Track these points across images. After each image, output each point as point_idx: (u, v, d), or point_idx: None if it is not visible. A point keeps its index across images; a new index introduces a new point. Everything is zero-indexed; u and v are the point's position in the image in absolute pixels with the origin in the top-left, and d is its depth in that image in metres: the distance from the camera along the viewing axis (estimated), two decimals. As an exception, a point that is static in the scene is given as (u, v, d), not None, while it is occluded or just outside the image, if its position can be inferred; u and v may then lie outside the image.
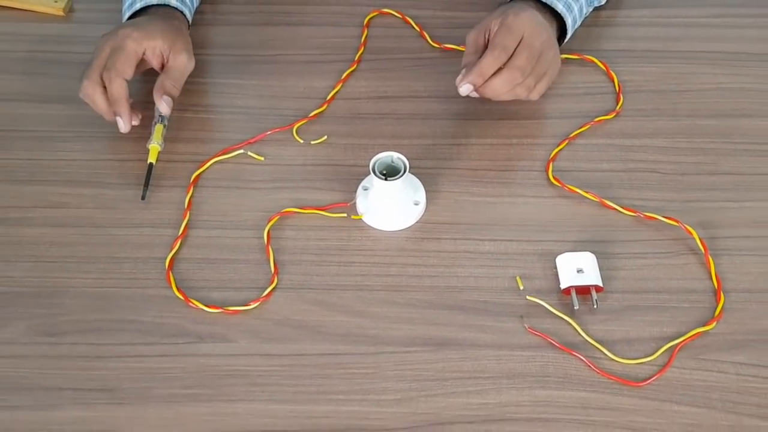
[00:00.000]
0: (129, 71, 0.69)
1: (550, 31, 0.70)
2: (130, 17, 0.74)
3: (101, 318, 0.62)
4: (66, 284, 0.64)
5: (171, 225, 0.67)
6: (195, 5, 0.79)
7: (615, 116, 0.72)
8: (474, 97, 0.70)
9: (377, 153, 0.66)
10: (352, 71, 0.77)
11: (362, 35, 0.80)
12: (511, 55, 0.67)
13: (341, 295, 0.63)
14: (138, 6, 0.74)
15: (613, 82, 0.75)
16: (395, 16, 0.81)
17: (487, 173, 0.69)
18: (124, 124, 0.69)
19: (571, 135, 0.71)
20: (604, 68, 0.76)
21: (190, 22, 0.77)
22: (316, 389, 0.58)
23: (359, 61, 0.78)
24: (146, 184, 0.68)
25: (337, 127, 0.73)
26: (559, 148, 0.70)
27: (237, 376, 0.59)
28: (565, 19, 0.73)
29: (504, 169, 0.70)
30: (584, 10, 0.76)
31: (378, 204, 0.66)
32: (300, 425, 0.57)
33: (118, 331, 0.61)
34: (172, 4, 0.75)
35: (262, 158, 0.71)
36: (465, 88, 0.68)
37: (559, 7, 0.73)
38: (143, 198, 0.68)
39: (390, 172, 0.65)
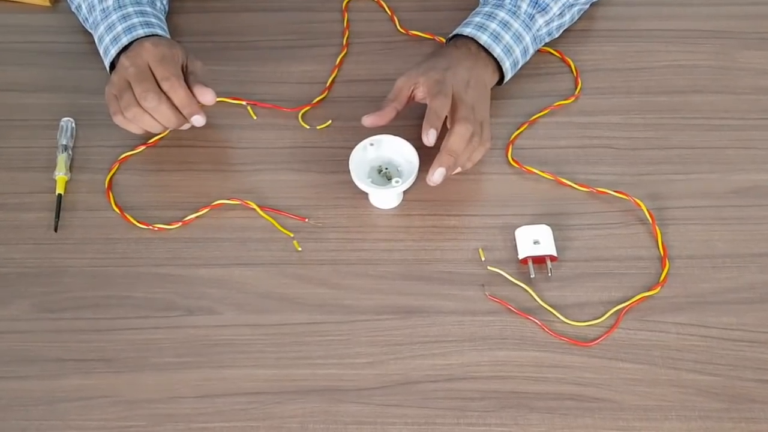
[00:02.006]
0: (182, 76, 0.69)
1: (482, 87, 0.71)
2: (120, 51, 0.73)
3: (98, 295, 0.67)
4: (64, 264, 0.69)
5: (162, 207, 0.71)
6: (166, 28, 0.78)
7: (574, 100, 0.76)
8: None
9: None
10: (344, 55, 0.80)
11: (344, 19, 0.83)
12: (452, 113, 0.68)
13: (318, 269, 0.68)
14: (125, 41, 0.72)
15: (569, 66, 0.79)
16: (372, 1, 0.85)
17: (453, 152, 0.74)
18: (203, 118, 0.70)
19: (531, 119, 0.75)
20: (559, 56, 0.79)
21: None
22: (296, 355, 0.64)
23: (347, 45, 0.81)
24: (57, 215, 0.70)
25: (318, 111, 0.77)
26: (520, 130, 0.75)
27: (224, 344, 0.64)
28: (501, 64, 0.73)
29: (469, 147, 0.75)
30: (530, 50, 0.75)
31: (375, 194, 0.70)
32: (282, 387, 0.62)
33: (113, 307, 0.66)
34: (159, 33, 0.74)
35: (255, 117, 0.76)
36: (438, 175, 0.67)
37: (497, 52, 0.72)
38: (55, 230, 0.70)
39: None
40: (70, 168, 0.74)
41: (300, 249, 0.68)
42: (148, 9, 0.75)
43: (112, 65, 0.74)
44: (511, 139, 0.74)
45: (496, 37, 0.72)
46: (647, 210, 0.69)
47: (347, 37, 0.82)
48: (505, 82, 0.75)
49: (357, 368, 0.63)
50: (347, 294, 0.67)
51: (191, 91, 0.69)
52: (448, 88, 0.68)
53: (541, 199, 0.71)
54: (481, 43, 0.72)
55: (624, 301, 0.65)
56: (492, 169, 0.73)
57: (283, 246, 0.69)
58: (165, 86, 0.68)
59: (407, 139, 0.70)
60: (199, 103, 0.70)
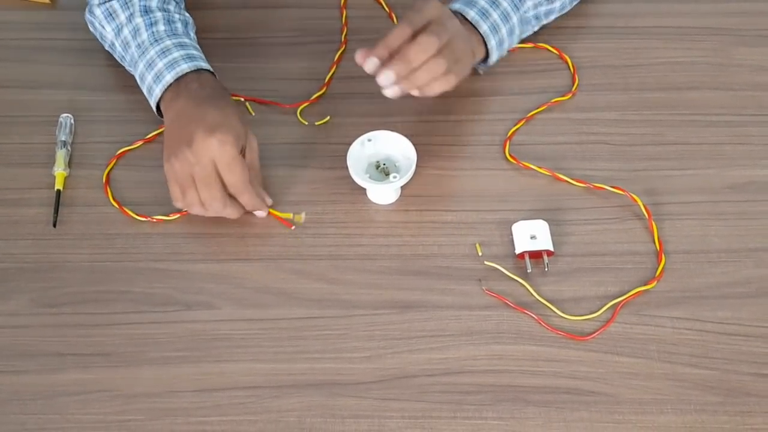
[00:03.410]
0: (247, 177, 0.66)
1: (465, 32, 0.70)
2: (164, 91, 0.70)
3: (96, 290, 0.67)
4: (63, 259, 0.69)
5: (159, 202, 0.71)
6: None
7: (571, 96, 0.77)
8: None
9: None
10: (342, 52, 0.80)
11: (342, 16, 0.83)
12: (422, 30, 0.66)
13: (316, 264, 0.68)
14: (169, 79, 0.69)
15: (567, 63, 0.79)
16: (368, -4, 0.85)
17: (451, 148, 0.74)
18: (265, 214, 0.69)
19: (529, 115, 0.76)
20: (557, 53, 0.79)
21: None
22: (293, 349, 0.64)
23: (346, 41, 0.81)
24: (56, 211, 0.70)
25: (316, 107, 0.77)
26: (517, 126, 0.75)
27: (222, 339, 0.65)
28: (487, 41, 0.72)
29: (467, 144, 0.75)
30: (516, 31, 0.74)
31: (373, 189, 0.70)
32: (279, 382, 0.63)
33: (112, 302, 0.67)
34: (204, 67, 0.70)
35: (254, 113, 0.76)
36: (371, 64, 0.65)
37: (483, 28, 0.72)
38: (54, 225, 0.70)
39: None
40: (69, 164, 0.74)
41: (302, 221, 0.69)
42: (187, 40, 0.72)
43: (158, 105, 0.71)
44: (509, 135, 0.74)
45: (484, 14, 0.72)
46: (643, 205, 0.69)
47: (345, 34, 0.82)
48: (489, 61, 0.74)
49: (355, 362, 0.63)
50: (345, 289, 0.67)
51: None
52: (430, 6, 0.67)
53: (538, 195, 0.71)
54: (469, 18, 0.72)
55: (620, 296, 0.65)
56: (489, 165, 0.73)
57: (282, 241, 0.69)
58: (232, 190, 0.67)
59: (405, 135, 0.71)
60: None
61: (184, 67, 0.70)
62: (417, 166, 0.70)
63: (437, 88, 0.68)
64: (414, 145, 0.70)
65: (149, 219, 0.70)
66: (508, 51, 0.76)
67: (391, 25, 0.83)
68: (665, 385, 0.61)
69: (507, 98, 0.77)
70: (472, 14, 0.72)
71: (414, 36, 0.66)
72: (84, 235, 0.70)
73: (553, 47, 0.80)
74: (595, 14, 0.83)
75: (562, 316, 0.65)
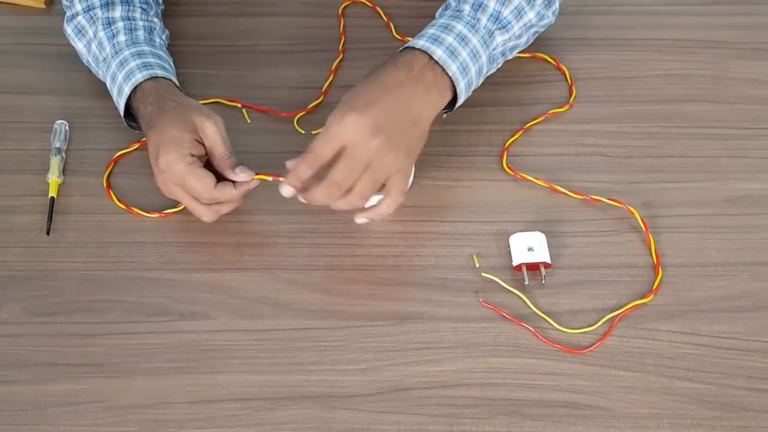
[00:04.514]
0: (210, 182, 0.65)
1: (397, 127, 0.62)
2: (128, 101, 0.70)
3: (90, 299, 0.67)
4: (56, 268, 0.68)
5: (155, 209, 0.71)
6: (172, 63, 0.75)
7: (568, 108, 0.77)
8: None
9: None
10: (340, 60, 0.80)
11: (340, 25, 0.83)
12: (333, 166, 0.62)
13: (312, 275, 0.68)
14: (127, 91, 0.69)
15: (564, 74, 0.79)
16: (366, 5, 0.85)
17: (448, 159, 0.74)
18: (252, 184, 0.66)
19: (526, 126, 0.75)
20: (555, 63, 0.79)
21: (176, 82, 0.73)
22: (288, 361, 0.64)
23: (344, 50, 0.81)
24: (49, 219, 0.69)
25: (314, 116, 0.77)
26: (514, 137, 0.75)
27: (216, 350, 0.64)
28: (456, 84, 0.66)
29: (463, 154, 0.74)
30: (484, 70, 0.69)
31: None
32: (274, 394, 0.62)
33: (105, 311, 0.66)
34: (159, 75, 0.70)
35: (249, 120, 0.76)
36: (286, 191, 0.63)
37: (452, 69, 0.65)
38: (48, 233, 0.69)
39: None
40: (63, 171, 0.74)
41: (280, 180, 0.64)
42: (146, 47, 0.72)
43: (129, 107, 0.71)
44: (506, 146, 0.74)
45: (453, 53, 0.65)
46: (641, 218, 0.69)
47: (343, 43, 0.82)
48: (457, 106, 0.69)
49: (350, 374, 0.63)
50: (341, 300, 0.66)
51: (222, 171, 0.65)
52: (341, 130, 0.61)
53: (535, 206, 0.71)
54: (436, 58, 0.65)
55: (617, 309, 0.65)
56: (486, 176, 0.73)
57: (277, 251, 0.69)
58: (204, 201, 0.66)
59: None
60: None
61: (138, 77, 0.70)
62: (414, 176, 0.70)
63: (385, 210, 0.64)
64: (411, 155, 0.70)
65: (160, 215, 0.70)
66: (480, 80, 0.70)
67: (388, 34, 0.82)
68: (662, 399, 0.61)
69: (504, 109, 0.77)
70: (439, 53, 0.65)
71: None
72: (77, 243, 0.70)
73: (550, 58, 0.80)
74: (592, 26, 0.83)
75: (559, 329, 0.64)
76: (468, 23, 0.67)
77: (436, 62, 0.65)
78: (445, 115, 0.71)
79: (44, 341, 0.65)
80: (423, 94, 0.64)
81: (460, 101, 0.68)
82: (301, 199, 0.65)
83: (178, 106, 0.68)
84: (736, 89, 0.78)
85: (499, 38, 0.69)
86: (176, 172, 0.65)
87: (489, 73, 0.72)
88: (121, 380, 0.63)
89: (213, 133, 0.66)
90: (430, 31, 0.67)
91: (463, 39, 0.66)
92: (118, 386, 0.62)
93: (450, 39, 0.66)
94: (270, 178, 0.66)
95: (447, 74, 0.65)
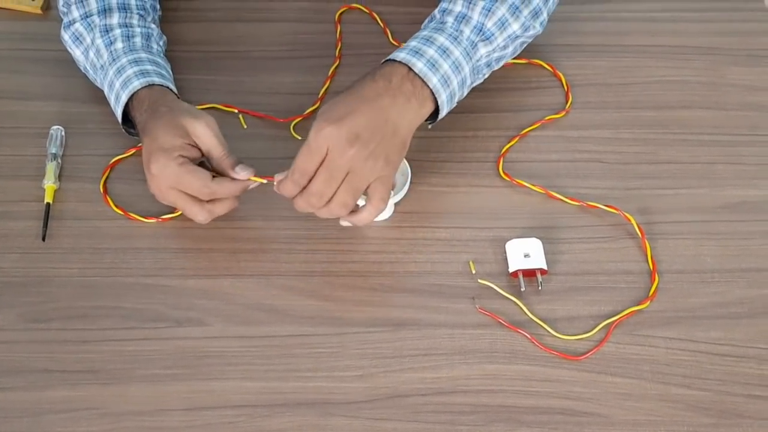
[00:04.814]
0: (206, 175, 0.65)
1: (376, 136, 0.62)
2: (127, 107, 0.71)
3: (86, 305, 0.66)
4: (52, 274, 0.68)
5: (152, 215, 0.71)
6: (169, 69, 0.75)
7: (564, 114, 0.77)
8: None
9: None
10: (336, 66, 0.80)
11: (336, 31, 0.83)
12: (314, 177, 0.62)
13: (308, 281, 0.68)
14: (125, 99, 0.70)
15: (560, 80, 0.79)
16: (363, 11, 0.85)
17: (444, 165, 0.74)
18: (250, 184, 0.66)
19: (523, 132, 0.76)
20: (551, 69, 0.80)
21: (173, 88, 0.73)
22: (284, 367, 0.63)
23: (340, 56, 0.81)
24: (45, 225, 0.69)
25: (310, 122, 0.77)
26: (510, 144, 0.75)
27: (212, 356, 0.64)
28: (437, 97, 0.65)
29: (460, 160, 0.74)
30: (467, 82, 0.68)
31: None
32: (270, 401, 0.62)
33: (101, 317, 0.66)
34: (156, 82, 0.70)
35: (246, 126, 0.76)
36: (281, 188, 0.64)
37: (433, 82, 0.65)
38: (43, 239, 0.69)
39: None
40: (60, 176, 0.73)
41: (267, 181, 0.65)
42: (143, 54, 0.72)
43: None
44: (502, 152, 0.74)
45: (434, 65, 0.65)
46: (637, 224, 0.69)
47: (340, 49, 0.82)
48: (440, 118, 0.68)
49: (346, 381, 0.63)
50: (337, 306, 0.66)
51: (222, 170, 0.66)
52: (319, 143, 0.61)
53: (531, 213, 0.71)
54: (416, 71, 0.65)
55: (613, 315, 0.65)
56: (483, 182, 0.73)
57: (274, 257, 0.69)
58: (203, 197, 0.66)
59: (399, 152, 0.70)
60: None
61: (136, 84, 0.70)
62: (411, 182, 0.70)
63: (366, 218, 0.65)
64: (408, 161, 0.70)
65: (157, 220, 0.70)
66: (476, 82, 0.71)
67: (385, 40, 0.82)
68: (658, 406, 0.61)
69: (501, 115, 0.77)
70: (420, 66, 0.65)
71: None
72: (73, 249, 0.69)
73: (547, 64, 0.80)
74: (588, 32, 0.83)
75: (555, 336, 0.64)
76: (450, 35, 0.67)
77: (416, 74, 0.65)
78: (429, 126, 0.71)
79: (40, 348, 0.64)
80: (402, 105, 0.64)
81: (442, 113, 0.68)
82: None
83: (170, 111, 0.68)
84: (732, 96, 0.78)
85: (483, 50, 0.68)
86: (170, 174, 0.65)
87: (475, 84, 0.72)
88: (117, 387, 0.62)
89: (206, 134, 0.66)
90: (412, 43, 0.67)
91: (444, 51, 0.66)
92: (114, 393, 0.62)
93: (431, 51, 0.66)
94: (265, 180, 0.66)
95: (428, 86, 0.65)
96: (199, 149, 0.67)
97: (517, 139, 0.75)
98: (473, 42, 0.67)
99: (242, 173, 0.66)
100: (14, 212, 0.72)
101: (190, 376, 0.63)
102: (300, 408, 0.61)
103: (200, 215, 0.67)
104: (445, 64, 0.66)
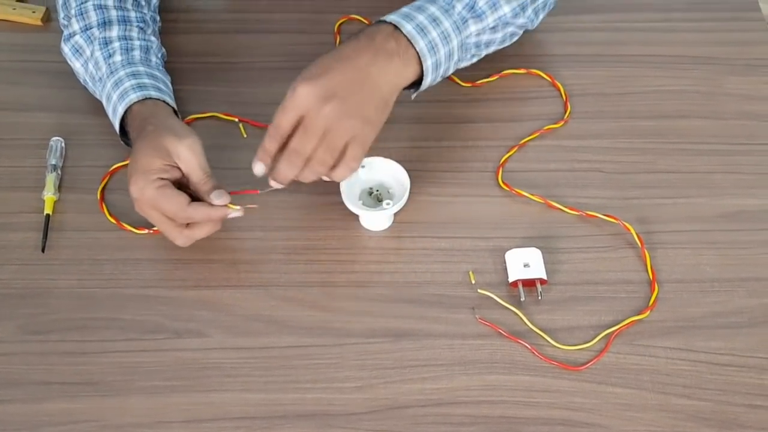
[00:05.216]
0: (183, 200, 0.64)
1: (345, 95, 0.62)
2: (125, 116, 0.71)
3: (84, 317, 0.66)
4: (51, 285, 0.68)
5: (149, 225, 0.71)
6: (168, 82, 0.75)
7: (563, 124, 0.77)
8: (429, 102, 0.73)
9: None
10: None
11: (335, 41, 0.83)
12: (292, 135, 0.62)
13: (308, 291, 0.68)
14: (121, 111, 0.70)
15: (559, 90, 0.79)
16: (362, 22, 0.85)
17: (443, 174, 0.74)
18: (230, 211, 0.65)
19: (521, 142, 0.76)
20: (549, 79, 0.80)
21: (171, 101, 0.72)
22: (284, 379, 0.63)
23: None
24: (45, 236, 0.69)
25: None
26: (509, 153, 0.75)
27: (212, 368, 0.64)
28: (423, 61, 0.65)
29: (460, 170, 0.75)
30: (455, 56, 0.68)
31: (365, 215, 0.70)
32: (270, 412, 0.62)
33: (100, 329, 0.66)
34: (153, 96, 0.70)
35: (246, 135, 0.76)
36: (257, 168, 0.64)
37: (420, 45, 0.64)
38: (43, 250, 0.69)
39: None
40: (59, 188, 0.73)
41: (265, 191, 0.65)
42: (141, 68, 0.72)
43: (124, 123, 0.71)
44: (501, 162, 0.74)
45: (422, 30, 0.64)
46: (636, 234, 0.69)
47: (339, 59, 0.82)
48: (424, 86, 0.67)
49: (346, 392, 0.63)
50: (337, 316, 0.66)
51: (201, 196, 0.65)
52: (295, 100, 0.61)
53: (531, 222, 0.71)
54: (404, 32, 0.64)
55: (613, 325, 0.65)
56: (482, 192, 0.73)
57: (273, 267, 0.69)
58: (180, 220, 0.65)
59: (398, 161, 0.70)
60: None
61: (132, 97, 0.70)
62: (410, 192, 0.70)
63: (341, 175, 0.64)
64: (407, 171, 0.70)
65: (149, 231, 0.70)
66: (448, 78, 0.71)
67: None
68: (659, 416, 0.61)
69: (499, 125, 0.77)
70: (408, 28, 0.64)
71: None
72: (73, 260, 0.69)
73: (545, 74, 0.80)
74: (586, 42, 0.83)
75: (555, 346, 0.64)
76: (442, 7, 0.67)
77: (403, 34, 0.64)
78: (413, 95, 0.70)
79: (38, 359, 0.64)
80: (383, 62, 0.63)
81: (427, 80, 0.67)
82: (273, 185, 0.65)
83: (155, 130, 0.67)
84: (729, 105, 0.79)
85: (473, 27, 0.68)
86: (148, 197, 0.65)
87: (462, 65, 0.71)
88: (116, 399, 0.62)
89: (187, 157, 0.65)
90: (404, 9, 0.67)
91: (434, 20, 0.66)
92: (113, 405, 0.62)
93: (421, 17, 0.65)
94: (240, 210, 0.65)
95: (413, 48, 0.65)
96: (179, 169, 0.66)
97: (516, 148, 0.75)
98: (464, 17, 0.67)
99: (218, 200, 0.65)
100: (14, 223, 0.72)
101: (189, 388, 0.63)
102: (300, 420, 0.61)
103: (179, 239, 0.66)
104: (434, 31, 0.65)
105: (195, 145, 0.66)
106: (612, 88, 0.80)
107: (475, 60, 0.73)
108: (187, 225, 0.66)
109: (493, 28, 0.70)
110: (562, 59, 0.82)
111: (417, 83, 0.68)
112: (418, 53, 0.65)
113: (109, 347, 0.65)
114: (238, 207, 0.66)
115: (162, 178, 0.65)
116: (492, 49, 0.73)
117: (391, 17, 0.66)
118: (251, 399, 0.62)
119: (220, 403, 0.62)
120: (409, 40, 0.65)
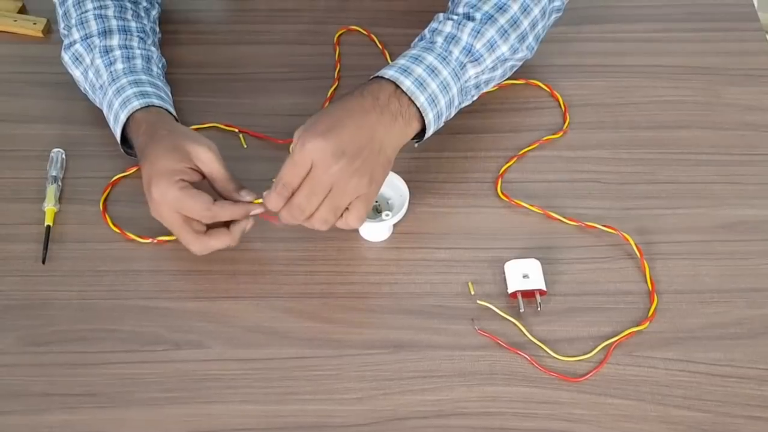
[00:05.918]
0: (207, 199, 0.64)
1: (362, 153, 0.62)
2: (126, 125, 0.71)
3: (85, 328, 0.66)
4: (51, 297, 0.68)
5: (153, 234, 0.71)
6: (169, 92, 0.75)
7: (562, 135, 0.77)
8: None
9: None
10: (335, 88, 0.80)
11: (335, 52, 0.84)
12: (297, 189, 0.62)
13: (308, 303, 0.68)
14: (123, 118, 0.70)
15: (558, 101, 0.79)
16: (361, 33, 0.86)
17: (443, 185, 0.74)
18: (253, 208, 0.66)
19: (521, 152, 0.76)
20: (548, 90, 0.80)
21: (172, 111, 0.73)
22: (284, 390, 0.63)
23: (339, 78, 0.81)
24: (45, 247, 0.70)
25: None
26: (509, 164, 0.75)
27: (212, 379, 0.64)
28: (424, 116, 0.66)
29: (459, 181, 0.75)
30: (455, 102, 0.68)
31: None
32: (270, 424, 0.62)
33: (100, 340, 0.66)
34: (156, 104, 0.70)
35: (246, 146, 0.76)
36: (256, 211, 0.65)
37: (420, 101, 0.65)
38: (43, 262, 0.69)
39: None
40: (60, 199, 0.74)
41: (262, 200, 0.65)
42: (144, 76, 0.73)
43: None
44: (500, 172, 0.75)
45: (421, 84, 0.65)
46: (635, 244, 0.69)
47: (339, 71, 0.82)
48: (426, 137, 0.68)
49: (345, 404, 0.63)
50: (336, 328, 0.66)
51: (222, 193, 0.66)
52: (304, 156, 0.61)
53: (530, 233, 0.71)
54: (404, 89, 0.65)
55: (613, 336, 0.65)
56: (481, 203, 0.73)
57: (273, 279, 0.69)
58: (205, 220, 0.65)
59: (397, 172, 0.70)
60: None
61: (135, 104, 0.70)
62: (409, 203, 0.70)
63: (348, 225, 0.64)
64: (406, 182, 0.70)
65: (153, 240, 0.70)
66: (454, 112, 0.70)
67: (383, 62, 0.83)
68: (659, 428, 0.61)
69: (499, 136, 0.78)
70: (407, 84, 0.65)
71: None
72: (73, 272, 0.69)
73: (544, 84, 0.80)
74: (586, 53, 0.84)
75: (555, 357, 0.64)
76: (439, 55, 0.67)
77: (404, 92, 0.65)
78: (416, 144, 0.71)
79: (38, 371, 0.64)
80: (388, 123, 0.64)
81: (429, 132, 0.68)
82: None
83: (170, 134, 0.68)
84: (728, 115, 0.79)
85: (472, 71, 0.68)
86: (171, 199, 0.65)
87: (463, 106, 0.72)
88: (116, 410, 0.62)
89: (209, 158, 0.66)
90: (401, 61, 0.67)
91: (433, 71, 0.66)
92: (113, 416, 0.62)
93: (419, 70, 0.66)
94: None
95: (415, 105, 0.65)
96: (200, 173, 0.67)
97: (515, 159, 0.76)
98: (462, 63, 0.67)
99: (248, 197, 0.66)
100: (14, 235, 0.72)
101: (189, 400, 0.63)
102: (299, 431, 0.61)
103: (195, 245, 0.66)
104: (433, 83, 0.66)
105: (213, 147, 0.67)
106: (611, 98, 0.80)
107: (476, 98, 0.73)
108: (205, 233, 0.66)
109: (492, 68, 0.70)
110: (561, 70, 0.82)
111: (420, 132, 0.68)
112: (419, 109, 0.66)
113: (109, 359, 0.65)
114: (261, 200, 0.65)
115: (183, 180, 0.65)
116: (492, 85, 0.74)
117: (389, 73, 0.66)
118: (251, 410, 0.62)
119: (220, 415, 0.62)
120: (409, 98, 0.65)
